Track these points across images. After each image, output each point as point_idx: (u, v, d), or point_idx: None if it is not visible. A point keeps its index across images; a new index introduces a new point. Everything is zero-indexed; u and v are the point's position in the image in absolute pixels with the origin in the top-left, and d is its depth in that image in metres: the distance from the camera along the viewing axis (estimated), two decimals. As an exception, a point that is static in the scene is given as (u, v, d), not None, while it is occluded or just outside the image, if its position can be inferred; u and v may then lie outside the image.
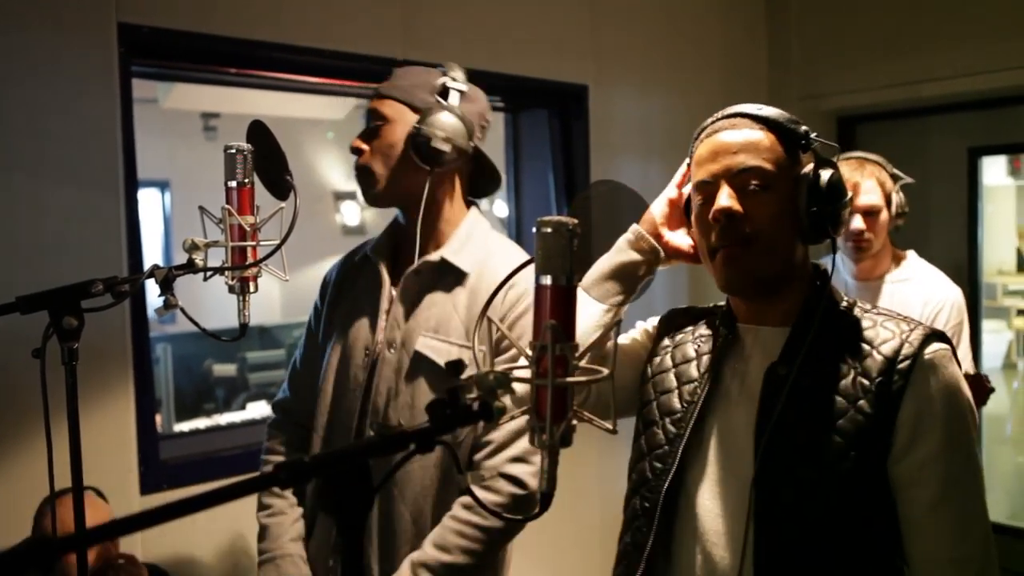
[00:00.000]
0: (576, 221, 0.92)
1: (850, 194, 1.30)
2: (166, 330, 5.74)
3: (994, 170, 4.82)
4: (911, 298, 2.62)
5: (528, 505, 1.70)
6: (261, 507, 1.93)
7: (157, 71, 2.76)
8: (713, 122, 1.34)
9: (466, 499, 1.69)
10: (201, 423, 4.94)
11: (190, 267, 1.44)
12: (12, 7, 2.21)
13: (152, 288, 1.45)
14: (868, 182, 2.57)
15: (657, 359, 1.45)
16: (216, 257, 1.51)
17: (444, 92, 1.82)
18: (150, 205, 6.58)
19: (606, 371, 0.94)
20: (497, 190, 1.99)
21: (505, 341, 1.75)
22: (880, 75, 4.12)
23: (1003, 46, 3.77)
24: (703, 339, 1.41)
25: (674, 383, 1.39)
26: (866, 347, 1.25)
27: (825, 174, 1.26)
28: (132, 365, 2.41)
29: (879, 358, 1.22)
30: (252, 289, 1.54)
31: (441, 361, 1.74)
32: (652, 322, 1.54)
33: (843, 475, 1.20)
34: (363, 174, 1.84)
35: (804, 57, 4.33)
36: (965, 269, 4.21)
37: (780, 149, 1.28)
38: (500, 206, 5.46)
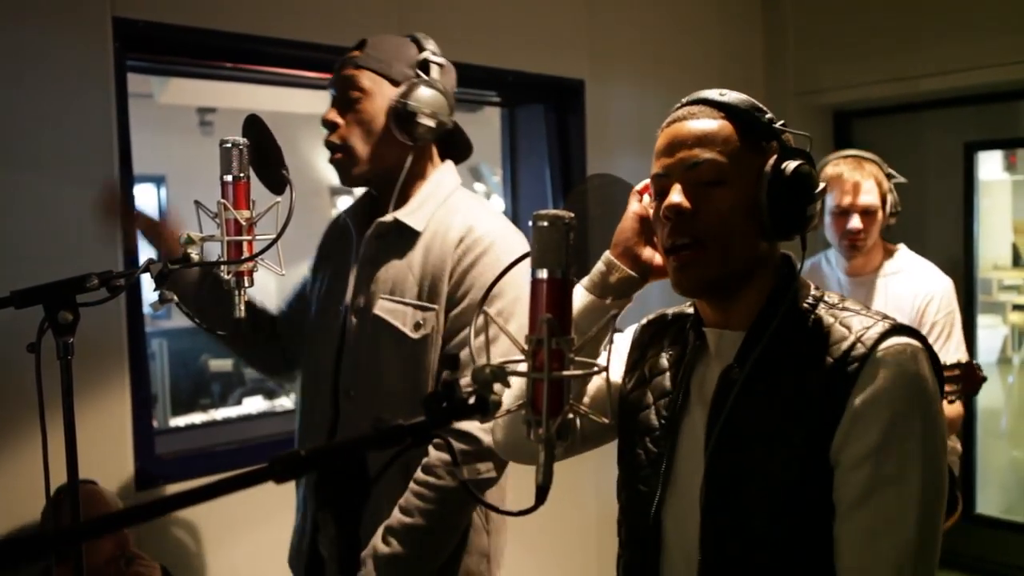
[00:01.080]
0: (572, 215, 0.92)
1: (821, 186, 1.20)
2: (162, 325, 5.73)
3: (990, 165, 4.82)
4: (903, 290, 2.64)
5: (482, 458, 1.68)
6: None
7: (152, 66, 2.75)
8: (676, 109, 1.25)
9: (425, 460, 1.68)
10: (197, 418, 4.93)
11: (185, 261, 1.44)
12: (5, 2, 2.20)
13: (148, 283, 1.45)
14: (867, 182, 2.57)
15: (633, 376, 1.38)
16: (212, 252, 1.51)
17: (424, 66, 1.77)
18: (146, 200, 6.57)
19: (601, 364, 0.94)
20: (467, 159, 1.95)
21: (464, 301, 1.72)
22: (876, 70, 4.12)
23: (1000, 41, 3.77)
24: (675, 347, 1.35)
25: (650, 399, 1.33)
26: (820, 348, 1.17)
27: (790, 166, 1.16)
28: (128, 360, 2.40)
29: (830, 361, 1.14)
30: (248, 283, 1.54)
31: (397, 323, 1.73)
32: (624, 341, 1.46)
33: (789, 483, 1.13)
34: (341, 151, 1.77)
35: (800, 52, 4.33)
36: (961, 264, 4.22)
37: (738, 140, 1.19)
38: (497, 201, 5.46)
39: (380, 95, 1.75)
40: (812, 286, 1.28)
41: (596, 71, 3.55)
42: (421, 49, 1.80)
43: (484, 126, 3.98)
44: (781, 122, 1.22)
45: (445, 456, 1.67)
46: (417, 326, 1.73)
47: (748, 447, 1.18)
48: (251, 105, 3.83)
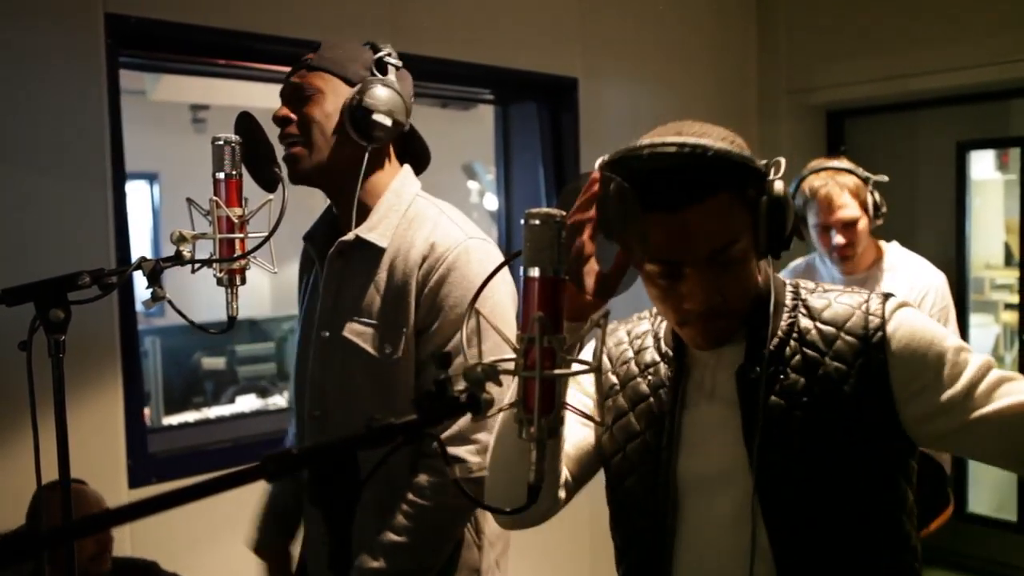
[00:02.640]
0: (564, 213, 0.92)
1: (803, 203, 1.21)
2: (155, 323, 5.72)
3: (982, 164, 4.83)
4: (897, 287, 2.65)
5: (473, 484, 1.63)
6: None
7: (145, 62, 2.74)
8: (649, 174, 1.12)
9: (415, 481, 1.66)
10: (190, 416, 4.92)
11: (178, 259, 1.44)
12: (-2, -3, 2.19)
13: (140, 280, 1.45)
14: (843, 196, 2.57)
15: (609, 402, 1.35)
16: (204, 249, 1.50)
17: (381, 67, 1.71)
18: (139, 197, 6.55)
19: (592, 364, 0.94)
20: (425, 170, 1.87)
21: (435, 323, 1.67)
22: (869, 69, 4.13)
23: (992, 41, 3.78)
24: (651, 371, 1.32)
25: (636, 427, 1.31)
26: (830, 330, 1.21)
27: (780, 208, 1.15)
28: (120, 358, 2.40)
29: (850, 339, 1.19)
30: (240, 281, 1.54)
31: (366, 345, 1.68)
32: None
33: (843, 463, 1.18)
34: (293, 146, 1.69)
35: (793, 51, 4.34)
36: (953, 263, 4.23)
37: (738, 203, 1.15)
38: (490, 199, 5.46)
39: (334, 95, 1.68)
40: (784, 280, 1.31)
41: (589, 69, 3.55)
42: (377, 52, 1.73)
43: (477, 124, 3.98)
44: (763, 162, 1.17)
45: (431, 477, 1.65)
46: (386, 348, 1.69)
47: (793, 439, 1.19)
48: (244, 102, 3.82)
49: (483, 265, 1.66)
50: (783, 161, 1.18)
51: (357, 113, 1.64)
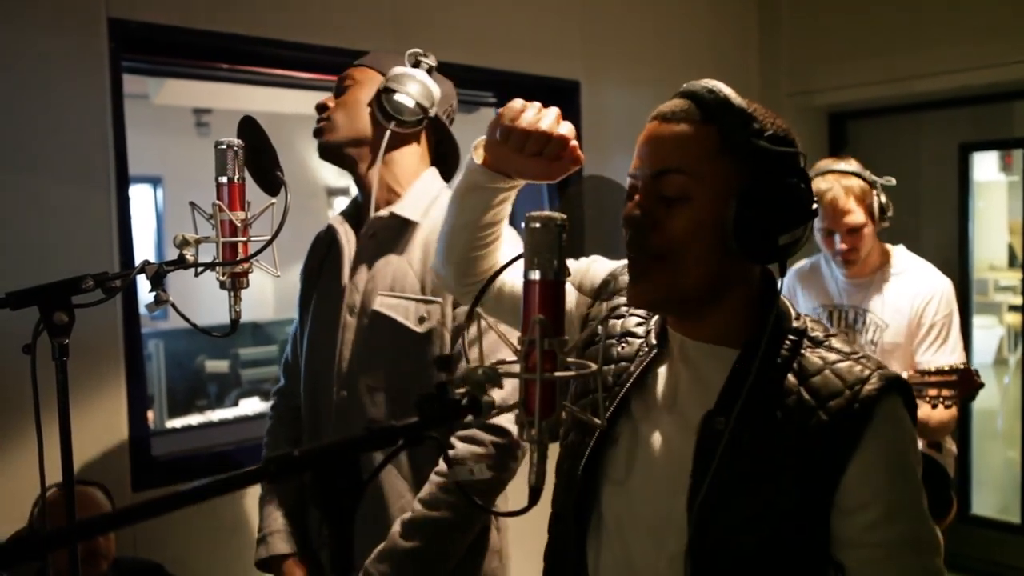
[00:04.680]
0: (564, 216, 0.92)
1: (814, 206, 1.11)
2: (159, 326, 5.73)
3: (985, 166, 4.83)
4: (901, 292, 2.64)
5: (513, 453, 1.70)
6: (261, 494, 1.99)
7: (148, 67, 2.75)
8: (670, 99, 1.18)
9: (453, 453, 1.69)
10: (194, 419, 4.93)
11: (180, 263, 1.44)
12: (1, 3, 2.20)
13: (144, 284, 1.45)
14: (849, 202, 2.55)
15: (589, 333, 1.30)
16: (207, 253, 1.51)
17: (415, 63, 1.86)
18: (143, 201, 6.57)
19: (594, 366, 0.94)
20: (456, 168, 1.99)
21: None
22: (871, 71, 4.13)
23: (994, 42, 3.78)
24: (628, 341, 1.27)
25: (591, 384, 1.27)
26: (811, 401, 1.11)
27: (765, 187, 1.08)
28: (124, 361, 2.41)
29: (825, 419, 1.09)
30: (243, 285, 1.54)
31: (400, 318, 1.76)
32: (582, 268, 1.41)
33: (779, 534, 1.11)
34: (323, 122, 1.87)
35: (795, 53, 4.34)
36: (956, 265, 4.23)
37: (717, 150, 1.10)
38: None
39: (369, 84, 1.86)
40: (793, 314, 1.20)
41: (591, 72, 3.55)
42: (416, 57, 1.89)
43: (480, 127, 3.99)
44: (773, 131, 1.12)
45: (475, 448, 1.67)
46: (421, 319, 1.74)
47: (738, 498, 1.11)
48: (247, 106, 3.83)
49: (514, 246, 1.73)
50: (805, 156, 1.15)
51: (383, 96, 1.81)
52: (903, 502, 1.11)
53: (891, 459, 1.10)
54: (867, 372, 1.11)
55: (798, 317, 1.20)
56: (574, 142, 1.23)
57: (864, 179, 2.60)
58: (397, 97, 1.79)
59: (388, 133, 1.82)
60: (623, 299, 1.31)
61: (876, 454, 1.09)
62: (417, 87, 1.81)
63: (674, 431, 1.18)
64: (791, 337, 1.17)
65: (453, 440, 1.70)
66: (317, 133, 1.88)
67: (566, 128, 1.21)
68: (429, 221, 1.80)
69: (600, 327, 1.31)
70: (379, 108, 1.81)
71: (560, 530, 1.30)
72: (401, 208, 1.82)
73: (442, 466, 1.70)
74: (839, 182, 2.57)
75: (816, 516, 1.11)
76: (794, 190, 1.10)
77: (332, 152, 1.88)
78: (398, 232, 1.82)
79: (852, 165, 2.63)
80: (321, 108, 1.88)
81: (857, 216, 2.56)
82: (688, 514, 1.12)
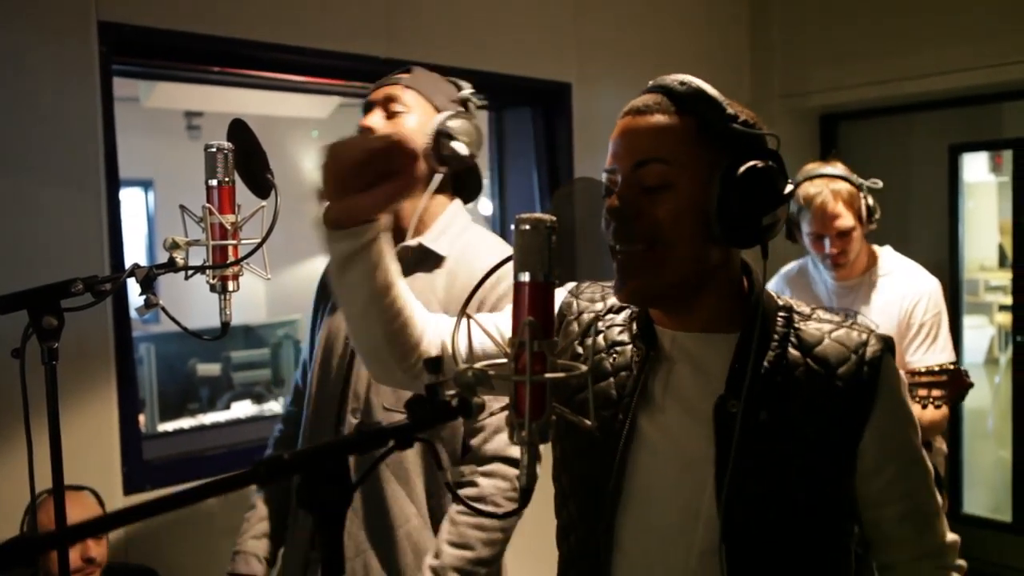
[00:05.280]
0: (554, 217, 0.92)
1: (788, 188, 1.13)
2: (150, 330, 5.71)
3: (975, 167, 4.85)
4: (890, 293, 2.65)
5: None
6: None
7: (138, 70, 2.74)
8: (639, 94, 1.20)
9: (469, 491, 1.70)
10: (185, 423, 4.91)
11: (171, 266, 1.44)
12: (-9, 5, 2.20)
13: (135, 287, 1.45)
14: (837, 206, 2.55)
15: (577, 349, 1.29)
16: (198, 256, 1.50)
17: (464, 103, 1.87)
18: (134, 204, 6.55)
19: (583, 367, 0.94)
20: (477, 197, 2.02)
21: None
22: (862, 73, 4.15)
23: (984, 44, 3.80)
24: (618, 351, 1.25)
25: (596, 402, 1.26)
26: (820, 370, 1.15)
27: (743, 169, 1.10)
28: (115, 365, 2.40)
29: (839, 385, 1.14)
30: (233, 288, 1.54)
31: None
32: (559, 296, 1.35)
33: (808, 505, 1.15)
34: None
35: (786, 55, 4.36)
36: (947, 265, 4.24)
37: (694, 138, 1.13)
38: (484, 204, 5.46)
39: (421, 115, 1.81)
40: (776, 296, 1.24)
41: (583, 74, 3.56)
42: (460, 89, 1.90)
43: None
44: (744, 119, 1.15)
45: (501, 484, 1.70)
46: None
47: (765, 478, 1.14)
48: (239, 109, 3.83)
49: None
50: (778, 138, 1.15)
51: (443, 139, 1.78)
52: (915, 457, 1.21)
53: (899, 414, 1.18)
54: (864, 335, 1.17)
55: (779, 296, 1.24)
56: (398, 137, 1.11)
57: (851, 182, 2.60)
58: (455, 144, 1.78)
59: (437, 177, 1.81)
60: (591, 314, 1.31)
61: (888, 412, 1.16)
62: (470, 132, 1.81)
63: (687, 427, 1.19)
64: (781, 314, 1.20)
65: (478, 479, 1.71)
66: None
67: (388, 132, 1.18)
68: (456, 253, 1.81)
69: (589, 337, 1.30)
70: (435, 152, 1.79)
71: (574, 543, 1.29)
72: (429, 240, 1.82)
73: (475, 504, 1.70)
74: (827, 186, 2.57)
75: (839, 482, 1.16)
76: (772, 171, 1.12)
77: None
78: (423, 262, 1.82)
79: (839, 169, 2.63)
80: (368, 132, 1.80)
81: (846, 220, 2.56)
82: (718, 504, 1.14)
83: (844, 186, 2.58)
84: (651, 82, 1.20)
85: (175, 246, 1.44)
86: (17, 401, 1.31)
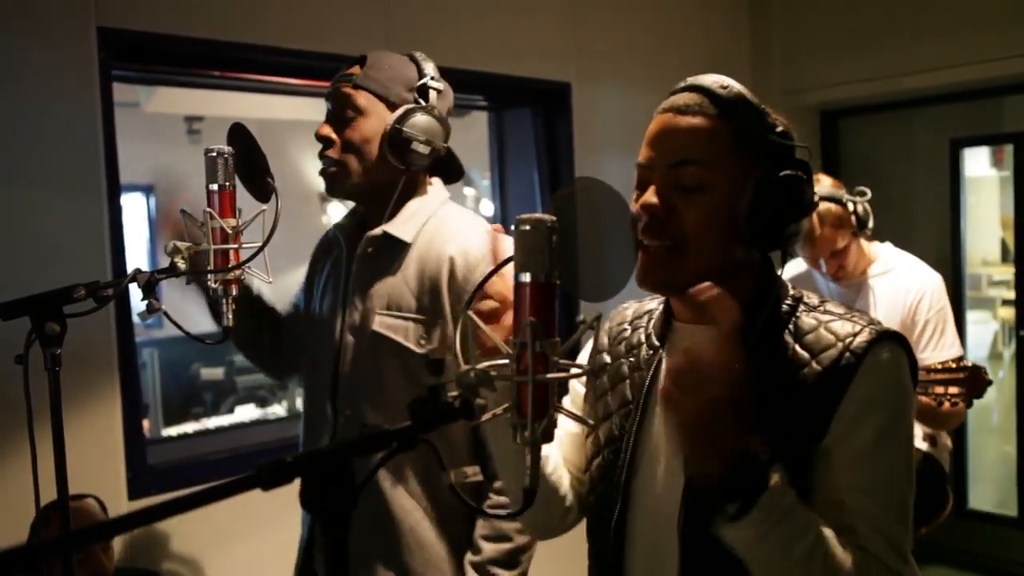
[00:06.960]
0: (554, 218, 0.92)
1: (816, 197, 1.14)
2: (153, 334, 5.71)
3: (977, 161, 4.84)
4: (893, 290, 2.65)
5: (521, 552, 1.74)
6: None
7: (138, 75, 2.75)
8: (675, 92, 1.21)
9: (479, 558, 1.72)
10: (189, 427, 4.92)
11: (172, 271, 1.44)
12: (-10, 13, 2.20)
13: (137, 292, 1.45)
14: (827, 230, 2.55)
15: (595, 391, 1.34)
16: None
17: (423, 90, 1.76)
18: (135, 209, 6.55)
19: (584, 367, 0.94)
20: (459, 180, 1.95)
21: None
22: (862, 68, 4.14)
23: (983, 38, 3.80)
24: (634, 352, 1.29)
25: (611, 407, 1.29)
26: (804, 355, 1.13)
27: (778, 178, 1.12)
28: (118, 370, 2.40)
29: (818, 369, 1.11)
30: (235, 292, 1.54)
31: (399, 338, 1.73)
32: (575, 395, 1.40)
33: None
34: (335, 166, 1.76)
35: (786, 52, 4.35)
36: (949, 260, 4.24)
37: (730, 142, 1.15)
38: (486, 205, 5.46)
39: (376, 116, 1.73)
40: (790, 287, 1.24)
41: (582, 74, 3.56)
42: (421, 72, 1.78)
43: (472, 130, 3.99)
44: (780, 127, 1.18)
45: (503, 546, 1.70)
46: (422, 340, 1.72)
47: None
48: (239, 113, 3.82)
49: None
50: (809, 149, 1.19)
51: (396, 140, 1.70)
52: (891, 454, 1.11)
53: (877, 395, 1.10)
54: (859, 327, 1.13)
55: (795, 288, 1.24)
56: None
57: (837, 200, 2.58)
58: (414, 146, 1.70)
59: (403, 179, 1.75)
60: (620, 329, 1.34)
61: (866, 390, 1.10)
62: (430, 125, 1.72)
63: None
64: (788, 302, 1.20)
65: (480, 541, 1.71)
66: (328, 178, 1.78)
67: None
68: (423, 239, 1.76)
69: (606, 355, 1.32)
70: (393, 154, 1.71)
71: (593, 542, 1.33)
72: (395, 227, 1.76)
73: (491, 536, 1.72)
74: (815, 212, 2.53)
75: (806, 465, 1.10)
76: (802, 182, 1.15)
77: (350, 198, 1.84)
78: (391, 251, 1.77)
79: (825, 187, 2.60)
80: (325, 141, 1.76)
81: (837, 242, 2.58)
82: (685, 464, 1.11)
83: (830, 208, 2.56)
84: (688, 80, 1.22)
85: (176, 251, 1.44)
86: (21, 408, 1.32)
